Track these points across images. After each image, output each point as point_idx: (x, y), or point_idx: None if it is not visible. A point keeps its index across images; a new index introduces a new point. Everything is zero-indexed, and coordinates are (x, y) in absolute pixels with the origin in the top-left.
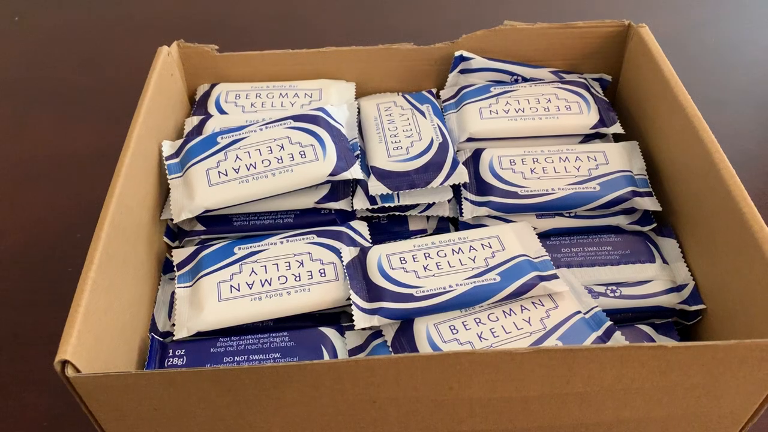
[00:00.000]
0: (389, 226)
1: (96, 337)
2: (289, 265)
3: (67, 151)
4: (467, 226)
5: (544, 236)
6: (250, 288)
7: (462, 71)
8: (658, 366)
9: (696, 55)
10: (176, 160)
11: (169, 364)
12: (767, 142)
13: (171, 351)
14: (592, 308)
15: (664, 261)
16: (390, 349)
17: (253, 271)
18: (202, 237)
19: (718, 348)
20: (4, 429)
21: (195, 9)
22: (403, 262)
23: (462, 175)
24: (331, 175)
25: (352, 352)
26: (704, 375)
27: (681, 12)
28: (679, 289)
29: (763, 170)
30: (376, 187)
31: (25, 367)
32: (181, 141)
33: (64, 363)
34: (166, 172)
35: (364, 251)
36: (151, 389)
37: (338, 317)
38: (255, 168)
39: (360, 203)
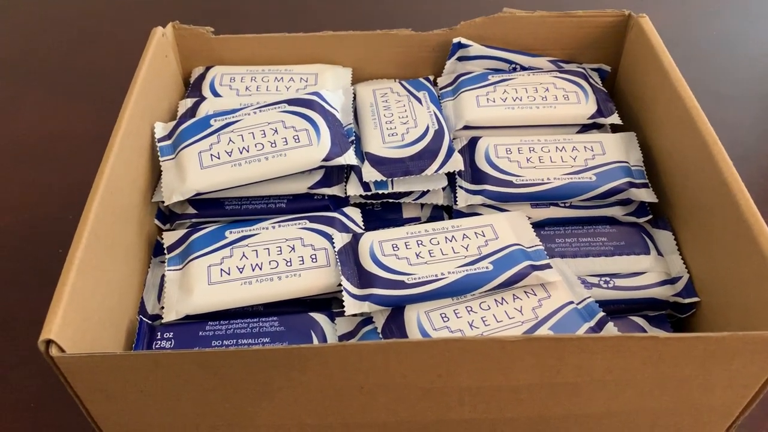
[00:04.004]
0: (383, 213)
1: (82, 317)
2: (281, 250)
3: (60, 132)
4: (461, 214)
5: (538, 226)
6: (241, 272)
7: (460, 58)
8: (649, 357)
9: (698, 47)
10: (168, 142)
11: (156, 346)
12: (766, 135)
13: (159, 334)
14: (584, 299)
15: (659, 253)
16: (380, 335)
17: (243, 255)
18: (194, 220)
19: (711, 340)
20: None
21: None
22: (395, 249)
23: (457, 163)
24: (324, 160)
25: (343, 338)
26: (696, 367)
27: (684, 3)
28: (673, 281)
29: (761, 164)
30: (370, 174)
31: (13, 349)
32: (173, 123)
33: (49, 342)
34: (158, 154)
35: (356, 237)
36: (137, 370)
37: (329, 303)
38: (248, 152)
39: (353, 189)
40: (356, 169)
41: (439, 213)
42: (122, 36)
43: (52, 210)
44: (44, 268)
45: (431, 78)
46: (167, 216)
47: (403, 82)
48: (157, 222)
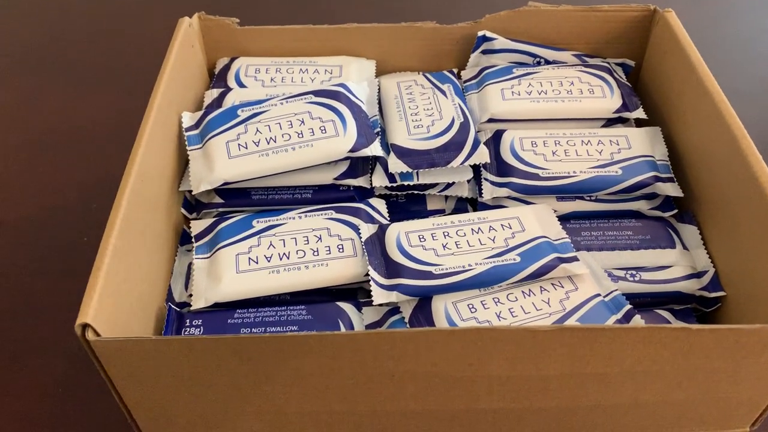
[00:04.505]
0: (407, 204)
1: (115, 303)
2: (308, 240)
3: (81, 123)
4: (486, 207)
5: (564, 219)
6: (269, 261)
7: (484, 52)
8: (680, 348)
9: (714, 44)
10: (196, 132)
11: (186, 333)
12: None
13: (188, 321)
14: (611, 291)
15: (685, 247)
16: (408, 325)
17: (271, 244)
18: (220, 210)
19: (742, 332)
20: (17, 396)
21: None
22: (422, 240)
23: (483, 156)
24: (351, 151)
25: (369, 327)
26: (726, 359)
27: (701, 1)
28: (699, 275)
29: None
30: (396, 165)
31: (39, 335)
32: (200, 113)
33: (85, 326)
34: (186, 143)
35: (382, 228)
36: (171, 355)
37: (355, 293)
38: (275, 142)
39: (379, 181)
40: (382, 161)
41: (462, 205)
42: (143, 28)
43: (77, 199)
44: (68, 256)
45: (455, 71)
46: (193, 205)
47: (428, 75)
48: (183, 211)
